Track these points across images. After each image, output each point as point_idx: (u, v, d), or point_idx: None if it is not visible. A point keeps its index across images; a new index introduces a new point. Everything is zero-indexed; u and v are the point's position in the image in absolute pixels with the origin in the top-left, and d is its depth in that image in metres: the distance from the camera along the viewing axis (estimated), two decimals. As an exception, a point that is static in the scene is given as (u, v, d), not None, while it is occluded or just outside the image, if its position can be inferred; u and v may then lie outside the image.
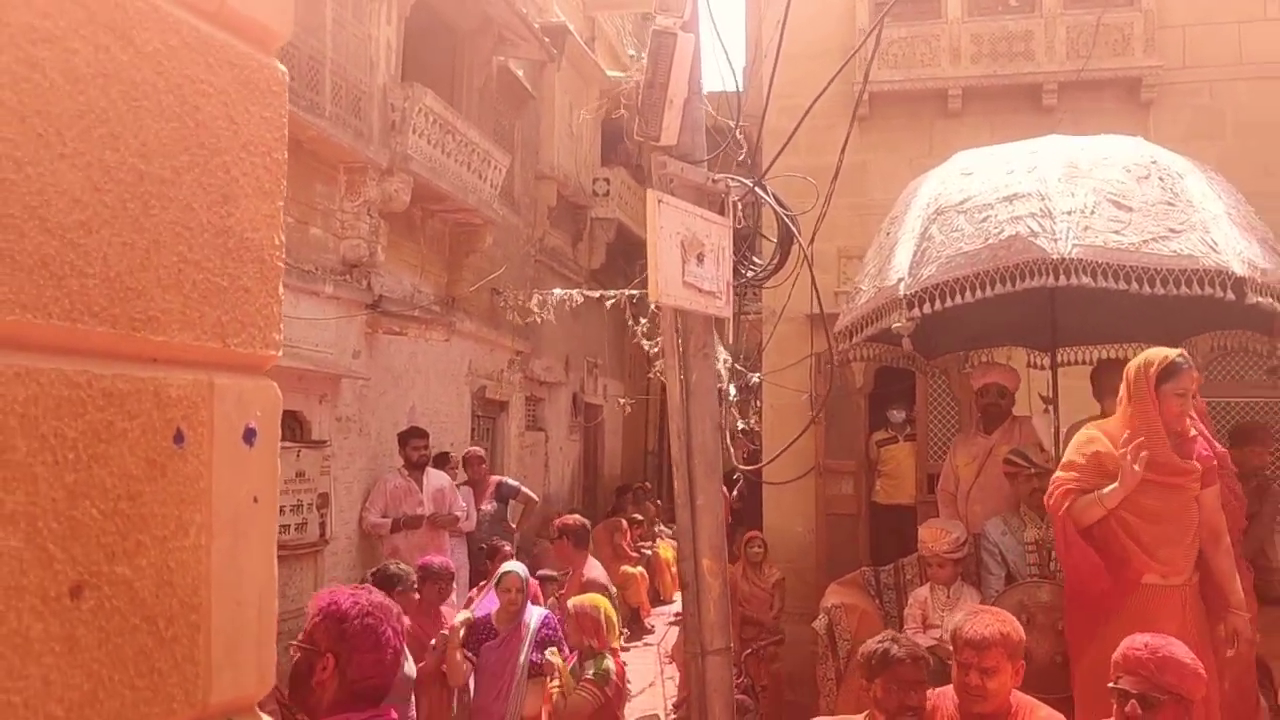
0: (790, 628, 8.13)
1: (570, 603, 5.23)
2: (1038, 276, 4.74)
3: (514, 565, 5.84)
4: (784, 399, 9.77)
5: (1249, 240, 4.95)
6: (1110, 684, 3.23)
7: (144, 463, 0.94)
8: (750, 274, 4.98)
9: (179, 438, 0.98)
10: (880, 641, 3.56)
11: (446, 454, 9.75)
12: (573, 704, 4.80)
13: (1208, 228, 4.86)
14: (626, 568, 11.82)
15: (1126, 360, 6.25)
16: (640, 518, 13.72)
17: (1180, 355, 4.30)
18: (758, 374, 10.68)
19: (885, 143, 9.85)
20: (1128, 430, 4.19)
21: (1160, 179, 5.08)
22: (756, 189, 4.63)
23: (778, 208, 4.70)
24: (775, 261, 4.92)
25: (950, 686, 3.54)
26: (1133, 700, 3.12)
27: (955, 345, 6.90)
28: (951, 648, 3.58)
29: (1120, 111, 9.33)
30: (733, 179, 4.59)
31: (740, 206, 4.70)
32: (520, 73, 13.16)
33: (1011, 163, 5.35)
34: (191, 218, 0.99)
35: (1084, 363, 6.75)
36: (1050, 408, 6.39)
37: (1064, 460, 4.47)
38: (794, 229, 4.72)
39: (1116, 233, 4.79)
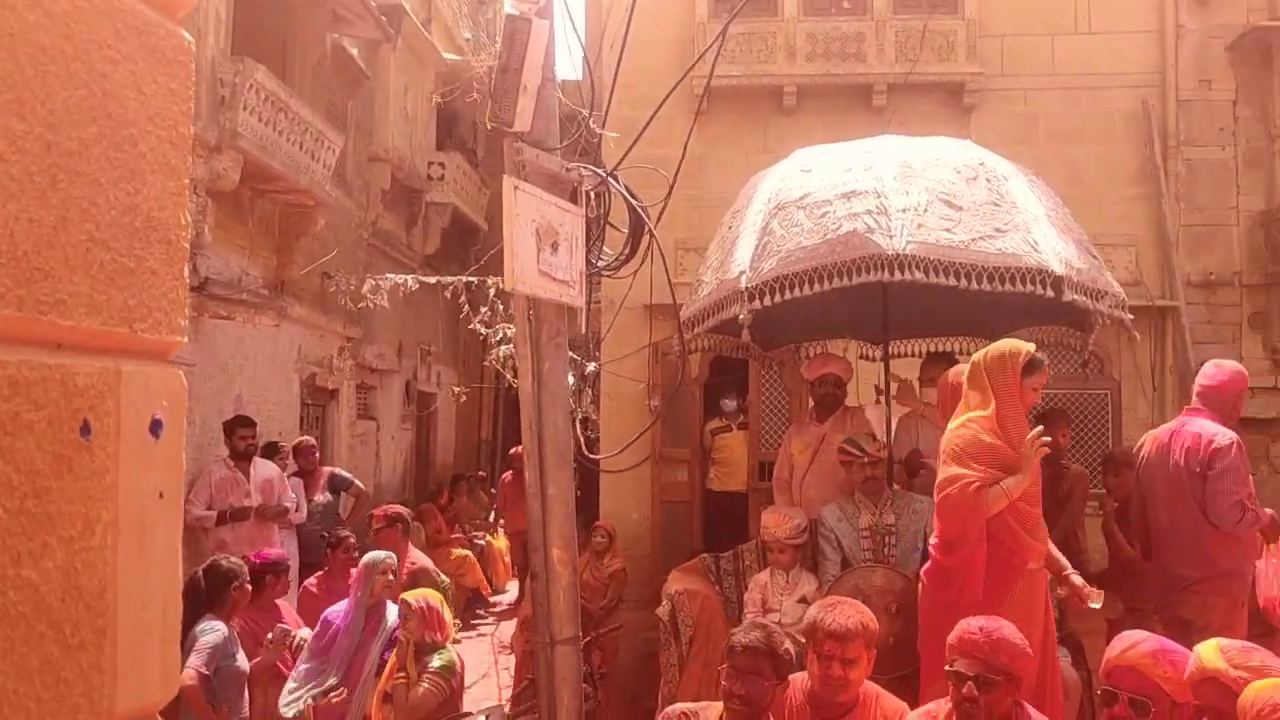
0: (628, 614, 8.20)
1: (408, 597, 5.11)
2: (873, 271, 4.91)
3: (384, 553, 5.74)
4: (622, 388, 9.83)
5: (1066, 241, 5.26)
6: (946, 667, 3.38)
7: (51, 457, 0.87)
8: (601, 264, 4.98)
9: (85, 429, 0.91)
10: (734, 630, 3.62)
11: (276, 444, 9.41)
12: (419, 697, 4.72)
13: (1030, 228, 5.14)
14: (457, 551, 11.66)
15: (953, 353, 6.60)
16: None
17: (1038, 352, 4.50)
18: (594, 362, 10.71)
19: (722, 136, 10.01)
20: (1000, 422, 4.36)
21: (987, 180, 5.34)
22: (610, 180, 4.63)
23: (630, 199, 4.72)
24: (626, 252, 4.94)
25: (801, 674, 3.63)
26: (970, 681, 3.28)
27: (791, 337, 7.09)
28: (807, 638, 3.66)
29: (945, 115, 9.74)
30: (585, 168, 4.58)
31: (592, 196, 4.69)
32: (355, 52, 12.77)
33: (849, 161, 5.52)
34: (99, 194, 0.92)
35: (914, 355, 7.05)
36: (882, 398, 6.65)
37: (953, 455, 4.36)
38: (647, 220, 4.75)
39: (947, 231, 5.01)
